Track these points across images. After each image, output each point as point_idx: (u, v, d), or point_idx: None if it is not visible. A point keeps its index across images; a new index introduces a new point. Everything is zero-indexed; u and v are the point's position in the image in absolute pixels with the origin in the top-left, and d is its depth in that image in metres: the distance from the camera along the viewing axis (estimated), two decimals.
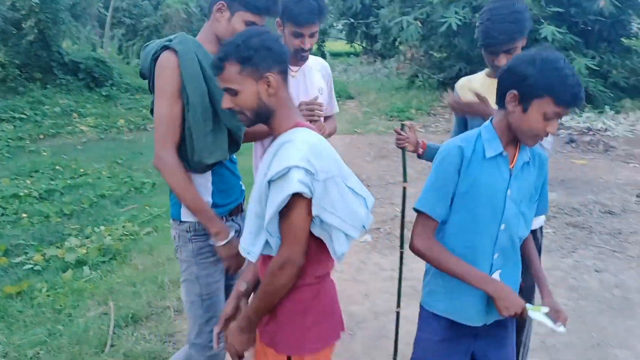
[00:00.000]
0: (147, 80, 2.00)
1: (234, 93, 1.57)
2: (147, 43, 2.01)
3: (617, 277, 3.85)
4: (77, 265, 4.15)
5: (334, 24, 22.32)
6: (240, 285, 1.73)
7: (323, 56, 27.49)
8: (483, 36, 2.12)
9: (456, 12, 9.91)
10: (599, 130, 8.77)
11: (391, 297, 3.59)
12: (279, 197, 1.45)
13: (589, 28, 10.68)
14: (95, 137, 9.56)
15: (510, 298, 1.63)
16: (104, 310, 3.44)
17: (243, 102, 1.57)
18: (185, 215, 1.99)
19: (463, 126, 2.38)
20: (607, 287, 3.70)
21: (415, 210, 1.72)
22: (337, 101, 9.09)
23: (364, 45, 23.21)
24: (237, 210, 2.11)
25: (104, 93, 12.92)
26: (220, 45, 1.65)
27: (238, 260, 1.96)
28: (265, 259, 1.63)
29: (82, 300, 3.58)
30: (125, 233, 4.79)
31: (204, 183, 1.99)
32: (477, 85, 2.33)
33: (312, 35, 2.28)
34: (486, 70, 2.36)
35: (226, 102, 1.60)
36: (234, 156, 2.12)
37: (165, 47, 1.88)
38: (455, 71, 12.37)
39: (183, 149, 1.91)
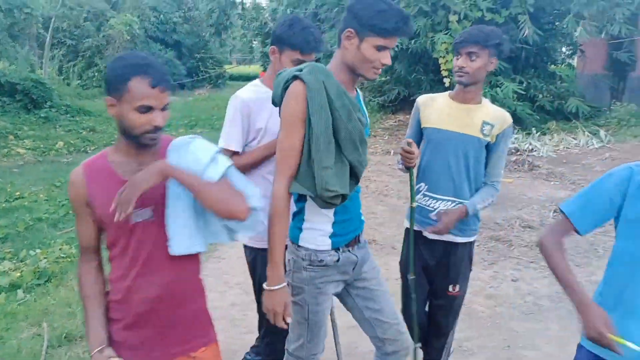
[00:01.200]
0: (277, 108, 2.02)
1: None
2: (281, 71, 2.00)
3: (531, 285, 4.18)
4: (10, 288, 4.12)
5: None
6: None
7: None
8: (455, 39, 2.47)
9: None
10: (526, 150, 9.34)
11: None
12: None
13: (516, 55, 11.38)
14: (32, 159, 9.37)
15: (598, 326, 1.53)
16: (37, 331, 3.45)
17: None
18: (304, 241, 2.00)
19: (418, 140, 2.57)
20: (521, 295, 4.02)
21: (560, 209, 1.71)
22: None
23: None
24: (355, 241, 2.09)
25: (42, 115, 12.67)
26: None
27: (276, 315, 1.92)
28: None
29: (15, 323, 3.58)
30: (62, 256, 4.78)
31: (327, 212, 1.97)
32: (440, 105, 2.52)
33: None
34: (449, 92, 2.54)
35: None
36: (358, 187, 2.08)
37: (295, 77, 1.88)
38: (394, 94, 12.88)
39: (310, 182, 1.87)
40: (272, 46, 2.34)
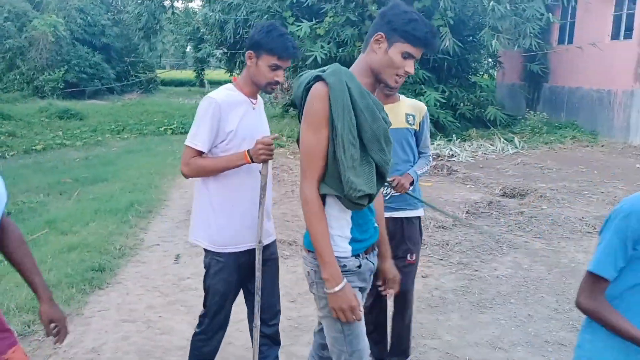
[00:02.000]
0: (296, 110, 2.02)
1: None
2: (302, 73, 2.02)
3: (439, 280, 4.45)
4: None
5: (213, 53, 22.52)
6: None
7: (202, 85, 27.61)
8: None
9: (322, 47, 10.63)
10: (446, 156, 9.80)
11: (241, 309, 3.85)
12: None
13: (439, 65, 11.92)
14: None
15: None
16: None
17: None
18: None
19: None
20: (429, 289, 4.27)
21: (592, 272, 1.60)
22: None
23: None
24: (372, 248, 2.07)
25: None
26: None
27: (346, 313, 1.88)
28: None
29: None
30: None
31: (345, 216, 1.95)
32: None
33: (284, 70, 2.40)
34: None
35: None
36: None
37: (318, 78, 1.87)
38: None
39: (337, 183, 1.87)
40: (248, 51, 2.36)
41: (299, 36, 10.84)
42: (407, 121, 2.93)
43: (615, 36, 12.32)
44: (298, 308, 3.89)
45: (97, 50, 23.58)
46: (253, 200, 2.39)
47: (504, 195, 7.15)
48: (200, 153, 2.37)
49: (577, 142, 11.42)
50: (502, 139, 10.95)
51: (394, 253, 2.78)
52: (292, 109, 14.65)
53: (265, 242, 2.46)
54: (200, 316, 2.59)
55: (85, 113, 14.88)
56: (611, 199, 6.98)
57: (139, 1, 16.15)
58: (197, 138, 2.36)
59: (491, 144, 10.82)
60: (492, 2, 9.53)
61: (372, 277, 2.08)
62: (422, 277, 4.52)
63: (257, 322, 2.44)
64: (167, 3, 15.59)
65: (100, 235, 5.19)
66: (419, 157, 3.06)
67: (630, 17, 11.86)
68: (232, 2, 12.34)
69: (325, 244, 1.85)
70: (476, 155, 10.07)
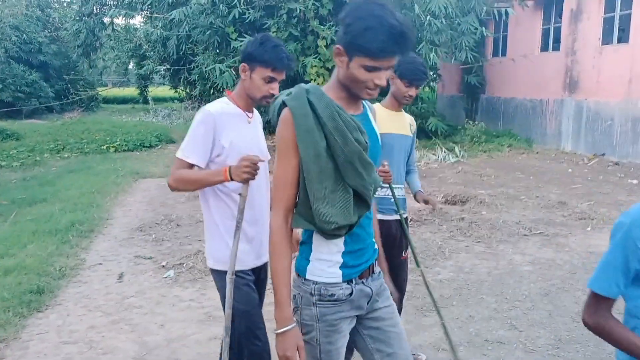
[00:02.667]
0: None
1: None
2: (276, 96, 1.87)
3: None
4: None
5: (156, 69, 22.24)
6: None
7: (146, 102, 27.14)
8: (411, 72, 2.86)
9: None
10: None
11: (187, 325, 3.83)
12: None
13: None
14: None
15: None
16: None
17: None
18: (312, 274, 1.80)
19: None
20: None
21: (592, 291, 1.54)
22: (157, 146, 9.62)
23: (187, 90, 23.37)
24: (369, 272, 1.87)
25: None
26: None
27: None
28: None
29: None
30: None
31: (335, 242, 1.79)
32: (384, 115, 2.90)
33: (279, 82, 2.33)
34: (380, 103, 2.97)
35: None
36: (369, 212, 1.88)
37: (283, 104, 1.75)
38: (268, 116, 13.18)
39: (310, 214, 1.74)
40: (242, 64, 2.31)
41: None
42: (410, 129, 3.11)
43: (544, 48, 12.99)
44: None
45: (34, 68, 22.82)
46: (254, 217, 2.36)
47: (446, 202, 7.37)
48: (191, 166, 2.29)
49: (514, 149, 11.91)
50: (443, 149, 11.29)
51: (394, 252, 3.00)
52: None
53: (260, 261, 2.47)
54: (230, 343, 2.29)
55: (23, 133, 14.35)
56: (546, 202, 7.32)
57: (77, 18, 15.77)
58: (189, 150, 2.28)
59: (433, 154, 11.14)
60: (429, 17, 9.88)
61: (370, 302, 1.88)
62: None
63: None
64: (107, 20, 15.27)
65: (38, 257, 5.02)
66: (411, 172, 3.23)
67: (558, 30, 12.55)
68: (173, 19, 12.24)
69: (282, 282, 1.72)
70: (419, 165, 10.34)
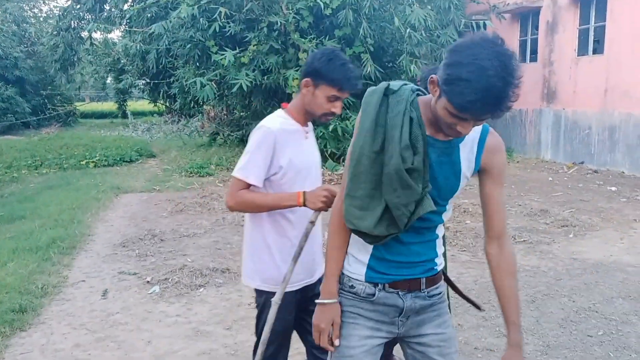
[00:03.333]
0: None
1: None
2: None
3: None
4: None
5: (135, 84, 22.09)
6: None
7: (125, 116, 26.93)
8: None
9: (247, 74, 10.69)
10: None
11: (174, 340, 3.77)
12: None
13: (362, 91, 12.27)
14: None
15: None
16: None
17: None
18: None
19: None
20: None
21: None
22: (137, 160, 9.53)
23: (167, 104, 23.26)
24: (408, 285, 1.76)
25: None
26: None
27: (319, 334, 1.78)
28: None
29: None
30: None
31: (364, 242, 1.75)
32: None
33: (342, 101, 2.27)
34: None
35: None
36: (426, 235, 1.77)
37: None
38: (252, 128, 13.15)
39: None
40: (305, 79, 2.21)
41: (223, 65, 10.87)
42: None
43: (522, 59, 13.22)
44: (234, 335, 3.84)
45: (10, 83, 22.50)
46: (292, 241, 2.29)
47: None
48: (248, 186, 2.21)
49: None
50: None
51: None
52: (218, 137, 14.57)
53: (312, 279, 2.39)
54: None
55: None
56: (528, 210, 7.41)
57: (54, 32, 15.61)
58: (249, 170, 2.19)
59: None
60: (408, 30, 9.99)
61: (408, 321, 1.80)
62: None
63: None
64: (84, 34, 15.14)
65: (19, 275, 4.90)
66: None
67: (535, 42, 12.80)
68: (153, 32, 12.18)
69: (330, 257, 1.78)
70: None
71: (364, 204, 1.67)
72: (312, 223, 2.16)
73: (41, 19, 27.34)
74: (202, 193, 8.69)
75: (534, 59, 12.80)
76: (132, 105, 30.76)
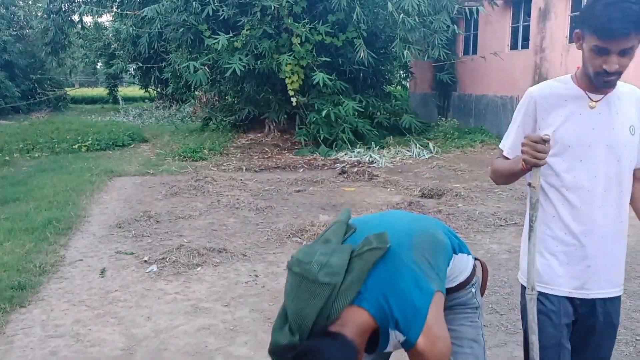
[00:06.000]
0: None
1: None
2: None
3: None
4: None
5: (126, 68, 21.92)
6: None
7: (116, 102, 26.74)
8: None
9: (240, 59, 10.68)
10: (367, 162, 10.14)
11: (174, 317, 3.83)
12: None
13: (355, 76, 12.32)
14: None
15: None
16: None
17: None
18: None
19: None
20: None
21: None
22: (130, 145, 9.50)
23: (158, 89, 23.11)
24: None
25: None
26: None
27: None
28: None
29: None
30: None
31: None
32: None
33: (623, 54, 1.67)
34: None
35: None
36: None
37: None
38: (245, 114, 13.18)
39: None
40: (576, 30, 1.79)
41: (216, 49, 10.85)
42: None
43: (514, 46, 13.30)
44: (232, 311, 3.91)
45: None
46: (578, 231, 1.85)
47: (422, 196, 7.49)
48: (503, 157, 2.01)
49: (486, 145, 12.16)
50: (417, 145, 11.46)
51: None
52: (211, 122, 14.55)
53: (602, 293, 1.88)
54: None
55: None
56: (519, 194, 7.51)
57: (44, 16, 15.43)
58: (505, 139, 2.03)
59: (408, 150, 11.29)
60: (402, 15, 10.01)
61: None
62: None
63: None
64: (75, 17, 14.98)
65: (16, 255, 4.93)
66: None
67: (526, 29, 12.86)
68: (145, 16, 12.10)
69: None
70: (394, 161, 10.48)
71: None
72: (530, 186, 1.80)
73: (30, 2, 26.97)
74: (196, 177, 8.71)
75: (525, 45, 12.87)
76: (123, 91, 30.55)
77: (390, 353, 1.99)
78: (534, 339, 1.78)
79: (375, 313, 1.52)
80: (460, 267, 1.83)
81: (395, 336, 1.56)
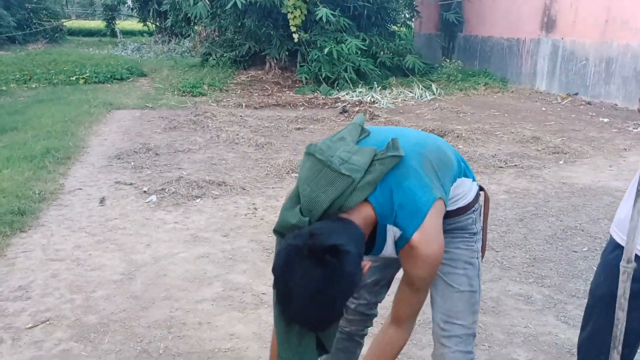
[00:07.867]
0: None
1: None
2: None
3: None
4: None
5: (124, 1, 21.29)
6: None
7: (114, 35, 26.12)
8: None
9: None
10: (368, 102, 10.01)
11: (173, 244, 3.87)
12: None
13: (359, 13, 11.98)
14: None
15: None
16: None
17: None
18: None
19: None
20: None
21: None
22: (128, 78, 9.44)
23: (157, 23, 22.54)
24: None
25: None
26: None
27: None
28: None
29: None
30: None
31: None
32: None
33: None
34: None
35: None
36: None
37: None
38: (245, 50, 12.90)
39: None
40: None
41: None
42: None
43: None
44: (231, 241, 3.95)
45: None
46: None
47: None
48: None
49: (489, 88, 11.98)
50: (420, 86, 11.29)
51: None
52: (211, 57, 14.27)
53: None
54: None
55: None
56: (520, 137, 7.47)
57: None
58: None
59: (410, 91, 11.13)
60: None
61: None
62: None
63: None
64: None
65: (16, 182, 4.93)
66: None
67: None
68: None
69: None
70: (396, 102, 10.35)
71: None
72: None
73: None
74: (196, 112, 8.61)
75: None
76: (121, 24, 29.75)
77: (391, 277, 2.01)
78: (621, 315, 1.60)
79: (377, 207, 1.57)
80: (464, 190, 1.82)
81: (393, 232, 1.60)
